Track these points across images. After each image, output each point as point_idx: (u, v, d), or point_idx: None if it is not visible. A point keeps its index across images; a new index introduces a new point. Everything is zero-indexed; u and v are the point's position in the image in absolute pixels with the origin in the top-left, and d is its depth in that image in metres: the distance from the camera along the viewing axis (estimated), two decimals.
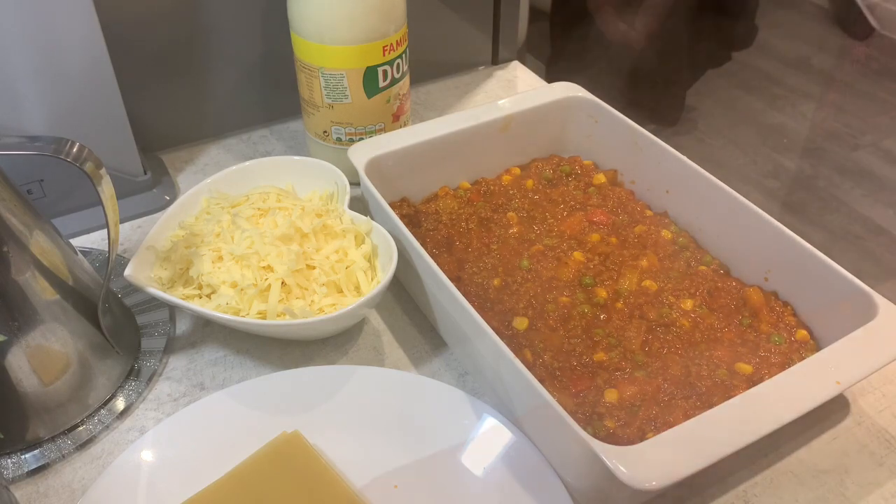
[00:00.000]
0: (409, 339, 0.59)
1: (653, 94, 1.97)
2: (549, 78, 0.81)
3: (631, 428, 0.46)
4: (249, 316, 0.53)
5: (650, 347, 0.52)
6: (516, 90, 0.89)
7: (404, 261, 0.56)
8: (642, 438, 0.43)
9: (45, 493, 0.48)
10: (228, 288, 0.54)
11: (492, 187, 0.67)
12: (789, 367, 0.46)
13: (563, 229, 0.62)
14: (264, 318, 0.53)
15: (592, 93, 0.69)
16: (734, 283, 0.57)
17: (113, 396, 0.53)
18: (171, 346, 0.58)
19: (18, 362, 0.48)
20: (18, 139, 0.46)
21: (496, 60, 0.93)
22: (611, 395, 0.48)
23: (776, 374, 0.45)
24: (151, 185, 0.71)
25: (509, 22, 0.90)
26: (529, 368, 0.45)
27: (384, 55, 0.65)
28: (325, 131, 0.69)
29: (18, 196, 0.48)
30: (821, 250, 0.52)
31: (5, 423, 0.49)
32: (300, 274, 0.55)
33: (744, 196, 0.57)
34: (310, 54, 0.65)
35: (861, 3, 1.98)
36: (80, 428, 0.52)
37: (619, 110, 0.66)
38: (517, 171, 0.69)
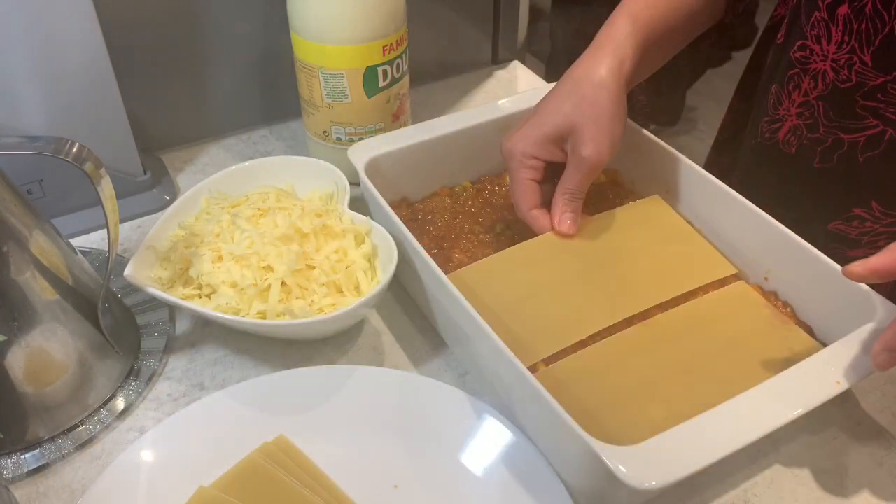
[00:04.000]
0: (409, 339, 0.59)
1: (653, 94, 1.97)
2: (549, 78, 0.81)
3: None
4: (249, 316, 0.53)
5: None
6: (516, 90, 0.89)
7: (404, 261, 0.56)
8: None
9: (45, 493, 0.48)
10: (228, 288, 0.54)
11: (492, 187, 0.67)
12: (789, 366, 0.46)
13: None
14: (264, 318, 0.53)
15: None
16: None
17: (113, 396, 0.53)
18: (171, 346, 0.58)
19: (18, 362, 0.48)
20: (18, 139, 0.46)
21: (496, 60, 0.93)
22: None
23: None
24: (151, 185, 0.71)
25: (509, 22, 0.90)
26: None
27: (384, 55, 0.65)
28: (325, 131, 0.69)
29: (18, 196, 0.48)
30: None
31: (5, 423, 0.49)
32: (300, 274, 0.55)
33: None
34: (310, 54, 0.65)
35: None
36: (80, 428, 0.52)
37: None
38: None
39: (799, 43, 0.59)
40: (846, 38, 0.55)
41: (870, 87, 0.55)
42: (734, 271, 0.57)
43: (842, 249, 0.61)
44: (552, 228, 0.57)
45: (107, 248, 0.50)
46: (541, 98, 0.58)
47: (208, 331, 0.59)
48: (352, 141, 0.67)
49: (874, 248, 0.60)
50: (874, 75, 0.54)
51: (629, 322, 0.53)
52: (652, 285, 0.55)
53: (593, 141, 0.53)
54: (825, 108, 0.58)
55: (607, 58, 0.55)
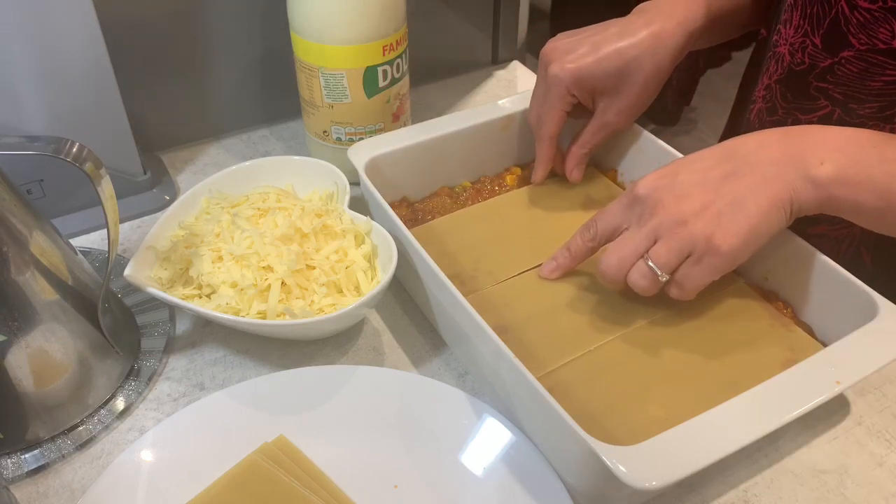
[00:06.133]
0: (409, 339, 0.59)
1: None
2: None
3: None
4: (249, 316, 0.53)
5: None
6: (516, 90, 0.89)
7: (404, 261, 0.56)
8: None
9: (44, 493, 0.48)
10: (228, 288, 0.54)
11: (492, 187, 0.67)
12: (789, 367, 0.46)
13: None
14: (264, 318, 0.53)
15: None
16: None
17: (113, 396, 0.53)
18: (171, 346, 0.58)
19: (18, 362, 0.48)
20: (18, 139, 0.46)
21: (496, 60, 0.93)
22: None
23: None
24: (151, 185, 0.71)
25: (509, 22, 0.90)
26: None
27: (384, 55, 0.65)
28: (325, 131, 0.69)
29: (18, 196, 0.48)
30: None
31: (5, 423, 0.49)
32: (300, 274, 0.55)
33: None
34: (310, 54, 0.65)
35: None
36: (80, 428, 0.52)
37: None
38: (517, 170, 0.69)
39: (776, 27, 0.62)
40: (801, 21, 0.58)
41: (820, 69, 0.57)
42: (732, 280, 0.57)
43: (802, 226, 0.61)
44: (566, 175, 0.65)
45: (107, 248, 0.50)
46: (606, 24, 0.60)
47: (208, 331, 0.59)
48: (352, 141, 0.67)
49: (833, 224, 0.61)
50: (823, 57, 0.57)
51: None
52: (653, 300, 0.55)
53: (625, 113, 0.61)
54: (782, 90, 0.61)
55: (680, 27, 0.58)
